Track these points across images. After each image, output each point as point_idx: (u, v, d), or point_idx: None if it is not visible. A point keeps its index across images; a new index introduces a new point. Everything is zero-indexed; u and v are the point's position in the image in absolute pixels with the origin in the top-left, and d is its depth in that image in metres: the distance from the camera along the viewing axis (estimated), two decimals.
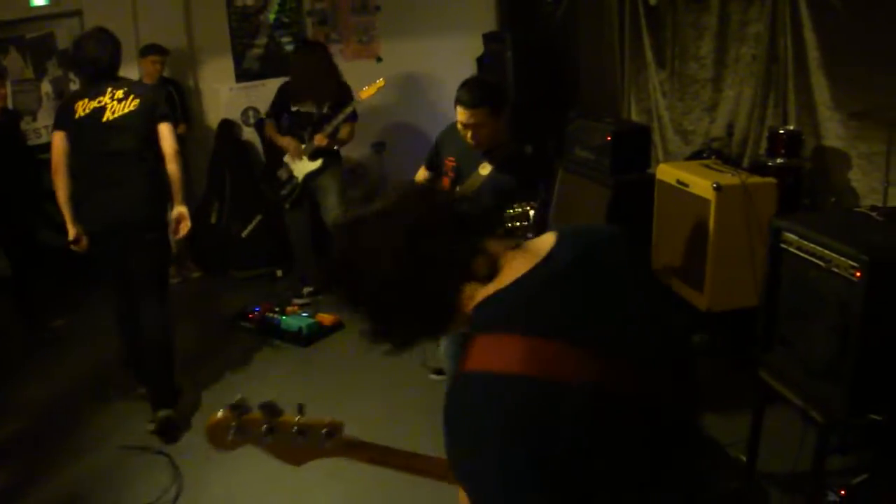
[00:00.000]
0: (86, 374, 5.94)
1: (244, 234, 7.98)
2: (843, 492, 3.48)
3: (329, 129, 6.69)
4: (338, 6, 8.53)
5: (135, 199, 5.00)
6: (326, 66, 6.91)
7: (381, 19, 8.61)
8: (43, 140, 7.76)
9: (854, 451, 3.95)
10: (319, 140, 6.70)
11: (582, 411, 1.38)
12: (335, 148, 6.87)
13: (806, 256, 3.38)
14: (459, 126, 4.19)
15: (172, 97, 7.37)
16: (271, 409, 1.89)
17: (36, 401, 5.61)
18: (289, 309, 6.71)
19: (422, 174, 4.73)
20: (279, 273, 7.92)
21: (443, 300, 1.59)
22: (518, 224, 3.66)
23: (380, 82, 6.65)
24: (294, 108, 6.88)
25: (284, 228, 7.69)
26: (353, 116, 6.80)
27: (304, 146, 6.79)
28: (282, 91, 7.01)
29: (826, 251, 3.25)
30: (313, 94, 6.79)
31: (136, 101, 4.97)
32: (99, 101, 4.95)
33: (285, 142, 6.85)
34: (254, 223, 7.96)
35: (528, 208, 3.64)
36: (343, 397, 5.27)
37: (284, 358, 6.13)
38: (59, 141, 4.99)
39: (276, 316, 6.59)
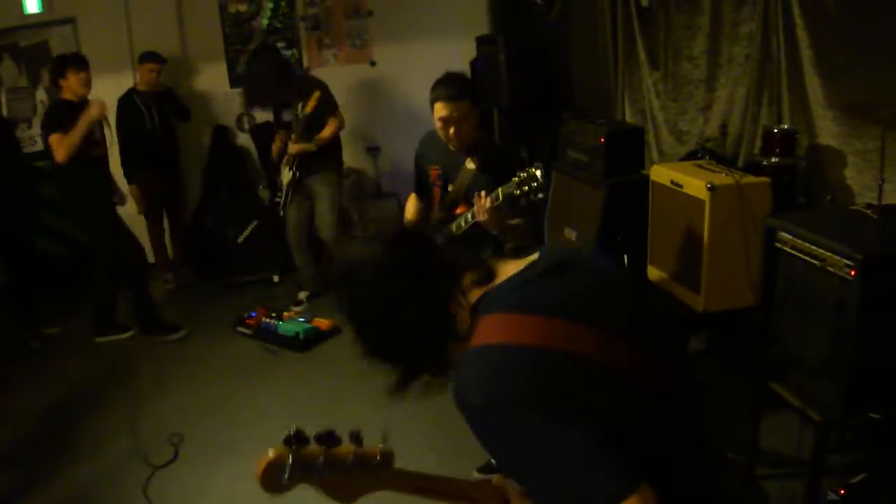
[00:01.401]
0: (80, 382, 5.93)
1: (240, 239, 7.97)
2: (842, 491, 3.48)
3: (294, 135, 6.67)
4: (331, 11, 8.52)
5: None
6: (273, 70, 6.83)
7: (373, 23, 8.60)
8: (38, 147, 7.74)
9: (853, 450, 3.95)
10: (291, 149, 6.72)
11: (590, 381, 1.54)
12: (314, 148, 6.71)
13: (801, 256, 3.38)
14: (439, 125, 4.16)
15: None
16: (329, 440, 1.73)
17: (30, 409, 5.59)
18: (286, 314, 6.70)
19: (412, 205, 4.72)
20: (276, 278, 7.92)
21: (440, 305, 1.73)
22: (527, 188, 3.70)
23: (316, 93, 6.55)
24: (283, 119, 6.93)
25: (281, 233, 7.65)
26: (333, 109, 6.76)
27: (286, 157, 6.86)
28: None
29: (821, 250, 3.25)
30: (264, 98, 6.90)
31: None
32: None
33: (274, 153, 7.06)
34: (249, 228, 7.95)
35: (534, 170, 3.66)
36: (342, 403, 5.26)
37: (282, 363, 6.12)
38: None
39: (272, 321, 6.58)
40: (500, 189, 3.84)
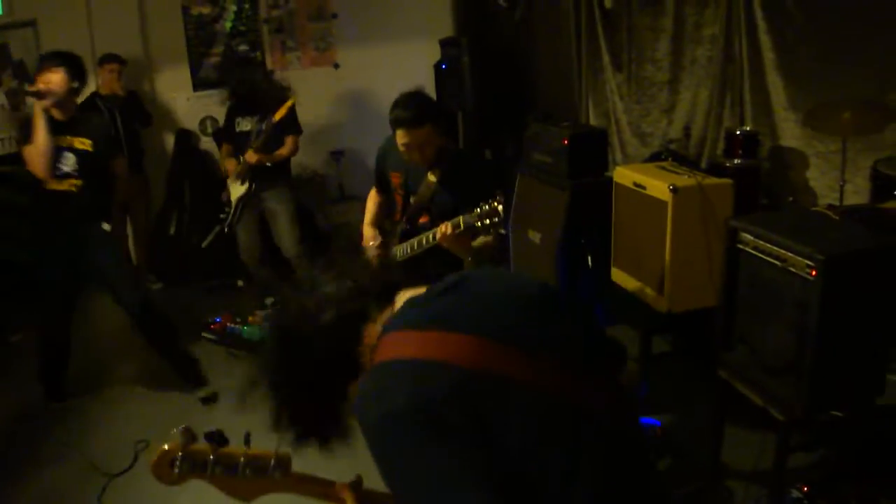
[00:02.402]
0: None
1: (204, 244, 7.91)
2: (805, 488, 3.50)
3: (256, 144, 6.40)
4: (294, 13, 8.49)
5: None
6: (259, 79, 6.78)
7: (337, 26, 8.58)
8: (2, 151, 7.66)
9: (816, 448, 3.98)
10: (249, 157, 6.44)
11: (477, 389, 1.52)
12: (268, 164, 6.48)
13: (763, 256, 3.39)
14: (402, 149, 4.05)
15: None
16: (218, 439, 1.81)
17: None
18: (251, 319, 6.65)
19: (371, 203, 4.67)
20: (240, 283, 7.86)
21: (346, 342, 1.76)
22: (488, 222, 3.60)
23: (290, 101, 6.42)
24: (237, 129, 6.66)
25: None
26: (296, 129, 6.65)
27: (238, 167, 6.60)
28: (228, 111, 6.90)
29: (782, 251, 3.26)
30: (254, 107, 6.58)
31: None
32: None
33: (225, 164, 6.81)
34: (213, 233, 7.88)
35: (496, 203, 3.59)
36: None
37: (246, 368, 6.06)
38: None
39: (237, 326, 6.52)
40: (461, 218, 3.73)
